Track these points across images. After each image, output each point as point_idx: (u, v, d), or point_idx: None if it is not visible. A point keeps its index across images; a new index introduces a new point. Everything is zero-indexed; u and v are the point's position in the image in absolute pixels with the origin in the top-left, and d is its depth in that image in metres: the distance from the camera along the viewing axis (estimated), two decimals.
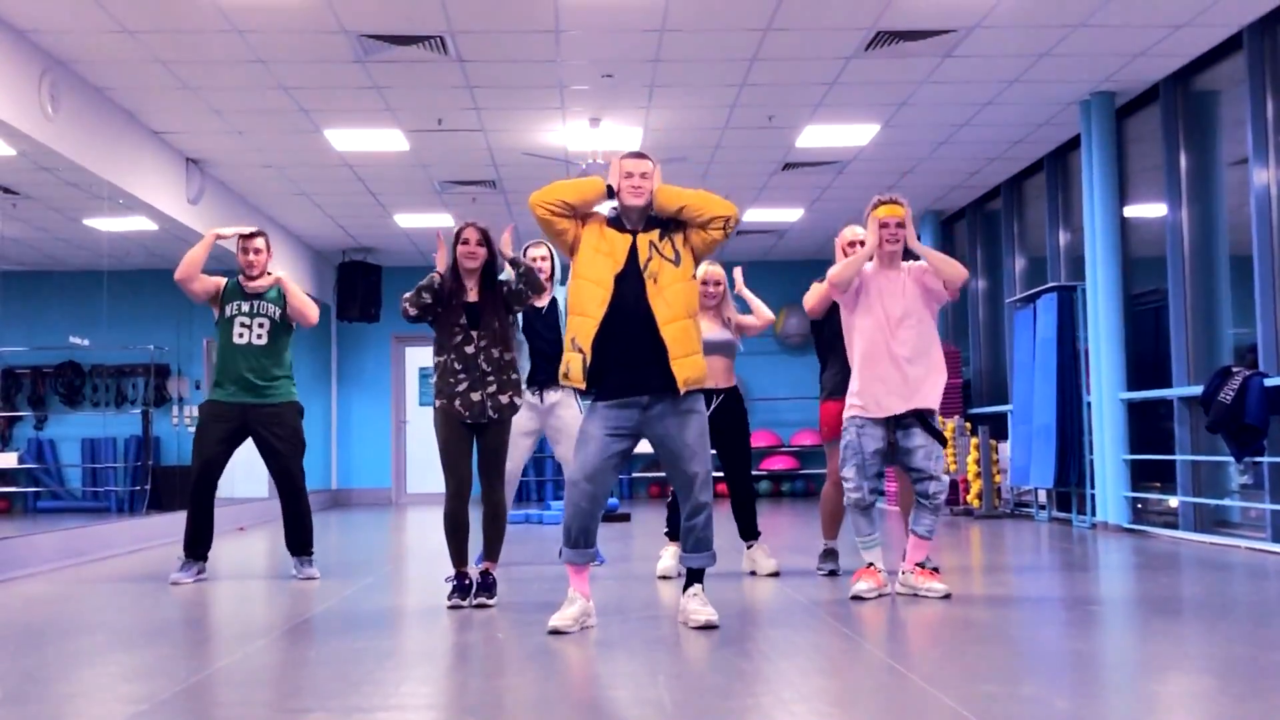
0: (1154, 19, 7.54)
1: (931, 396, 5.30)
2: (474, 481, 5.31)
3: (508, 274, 5.38)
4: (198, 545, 6.38)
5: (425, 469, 15.09)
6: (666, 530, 6.42)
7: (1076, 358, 9.65)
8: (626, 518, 11.09)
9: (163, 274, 8.13)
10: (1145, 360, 9.21)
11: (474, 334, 5.23)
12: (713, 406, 6.21)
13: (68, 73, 8.05)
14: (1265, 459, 7.25)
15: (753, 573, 6.28)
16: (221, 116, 9.21)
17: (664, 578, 6.14)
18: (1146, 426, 9.16)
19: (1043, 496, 10.36)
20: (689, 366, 4.51)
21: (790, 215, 13.05)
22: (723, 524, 6.80)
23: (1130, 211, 9.35)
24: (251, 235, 6.46)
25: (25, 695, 3.63)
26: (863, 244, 5.52)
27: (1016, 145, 10.45)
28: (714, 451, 6.36)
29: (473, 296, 5.28)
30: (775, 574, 6.18)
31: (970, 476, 10.95)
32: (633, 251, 4.56)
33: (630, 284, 4.51)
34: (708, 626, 4.48)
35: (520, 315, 6.40)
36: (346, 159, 10.50)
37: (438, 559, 6.58)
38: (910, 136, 10.09)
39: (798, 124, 9.70)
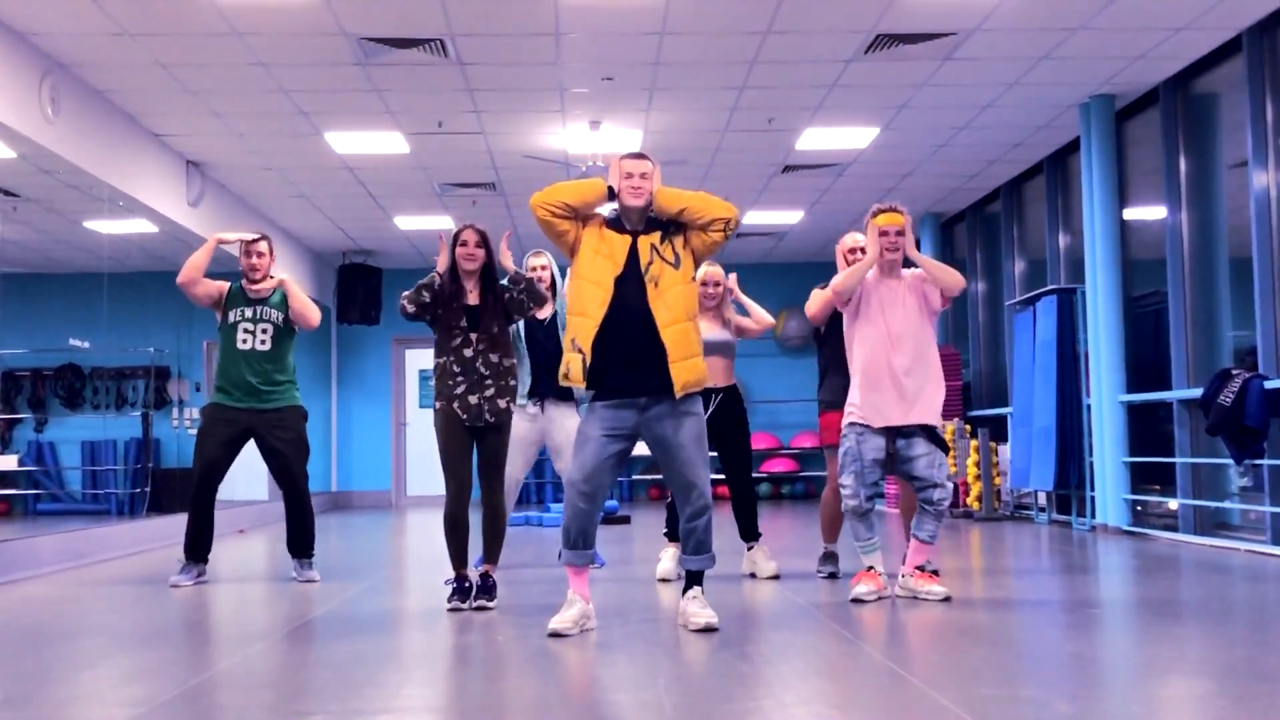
0: (1153, 22, 7.55)
1: (932, 411, 5.31)
2: (474, 484, 5.32)
3: (506, 278, 5.40)
4: (198, 548, 6.38)
5: (425, 471, 15.10)
6: (666, 531, 6.42)
7: (1076, 360, 9.66)
8: (626, 520, 11.09)
9: (163, 276, 8.14)
10: (1145, 363, 9.22)
11: (473, 336, 5.24)
12: (712, 406, 6.22)
13: (68, 75, 8.05)
14: (1265, 461, 7.25)
15: (752, 575, 6.28)
16: (222, 119, 9.22)
17: (664, 580, 6.14)
18: (1146, 429, 9.16)
19: (1042, 499, 10.36)
20: (687, 370, 4.52)
21: (790, 217, 13.05)
22: (723, 525, 6.80)
23: (1130, 214, 9.35)
24: (254, 240, 6.47)
25: (25, 698, 3.63)
26: (863, 251, 5.52)
27: (1016, 148, 10.45)
28: (714, 454, 6.41)
29: (472, 299, 5.29)
30: (775, 577, 6.18)
31: (970, 479, 10.95)
32: (633, 254, 4.56)
33: (630, 286, 4.52)
34: (708, 629, 4.48)
35: (523, 325, 6.41)
36: (347, 161, 10.50)
37: (438, 562, 6.59)
38: (910, 139, 10.10)
39: (798, 126, 9.71)
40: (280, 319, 6.44)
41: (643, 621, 4.92)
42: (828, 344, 6.11)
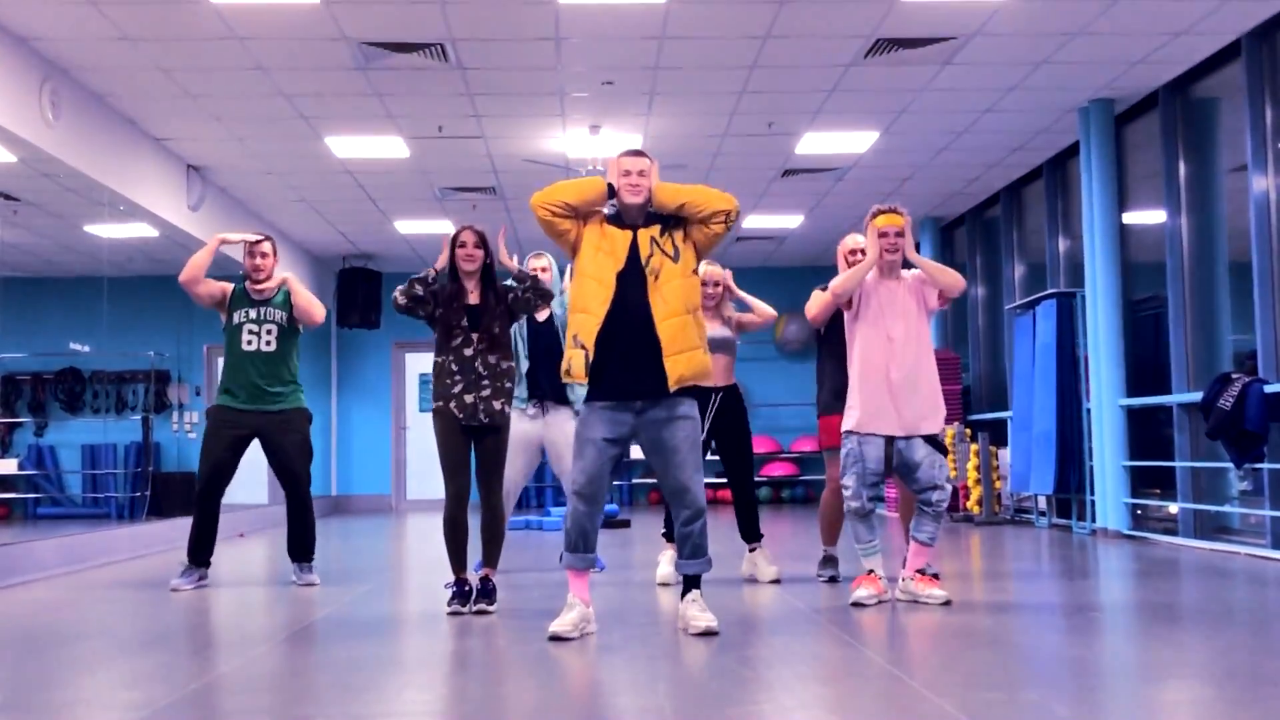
0: (1153, 27, 7.56)
1: (931, 424, 5.31)
2: (473, 486, 5.32)
3: (510, 281, 5.41)
4: (201, 551, 6.38)
5: (425, 475, 15.09)
6: (664, 531, 6.41)
7: (1076, 364, 9.66)
8: (627, 524, 11.09)
9: (163, 281, 8.14)
10: (1145, 366, 9.22)
11: (474, 336, 5.24)
12: (713, 406, 6.22)
13: (69, 80, 8.06)
14: (1265, 465, 7.25)
15: (753, 577, 6.28)
16: (222, 123, 9.23)
17: (663, 584, 6.14)
18: (1146, 433, 9.16)
19: (1043, 503, 10.36)
20: (683, 363, 4.51)
21: (790, 222, 13.06)
22: (723, 528, 6.79)
23: (1129, 218, 9.36)
24: (258, 241, 6.48)
25: (25, 701, 3.63)
26: (864, 252, 5.53)
27: (1016, 152, 10.46)
28: (716, 456, 6.41)
29: (473, 299, 5.30)
30: (776, 581, 6.18)
31: (970, 483, 10.95)
32: (633, 248, 4.57)
33: (631, 281, 4.52)
34: (708, 633, 4.48)
35: (524, 327, 6.41)
36: (347, 166, 10.51)
37: (437, 565, 6.59)
38: (910, 143, 10.11)
39: (797, 131, 9.71)
40: (284, 319, 6.45)
41: (643, 625, 4.92)
42: (828, 345, 6.11)
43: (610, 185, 4.63)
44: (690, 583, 4.68)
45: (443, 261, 5.32)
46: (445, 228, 12.74)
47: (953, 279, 5.38)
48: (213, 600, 6.03)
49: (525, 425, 6.40)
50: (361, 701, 3.50)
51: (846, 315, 5.51)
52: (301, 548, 6.52)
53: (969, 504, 10.98)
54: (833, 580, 6.13)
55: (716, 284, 6.33)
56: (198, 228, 10.42)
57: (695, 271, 4.66)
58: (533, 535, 10.25)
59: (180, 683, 3.83)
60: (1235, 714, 3.30)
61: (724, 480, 6.43)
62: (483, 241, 5.32)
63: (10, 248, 11.56)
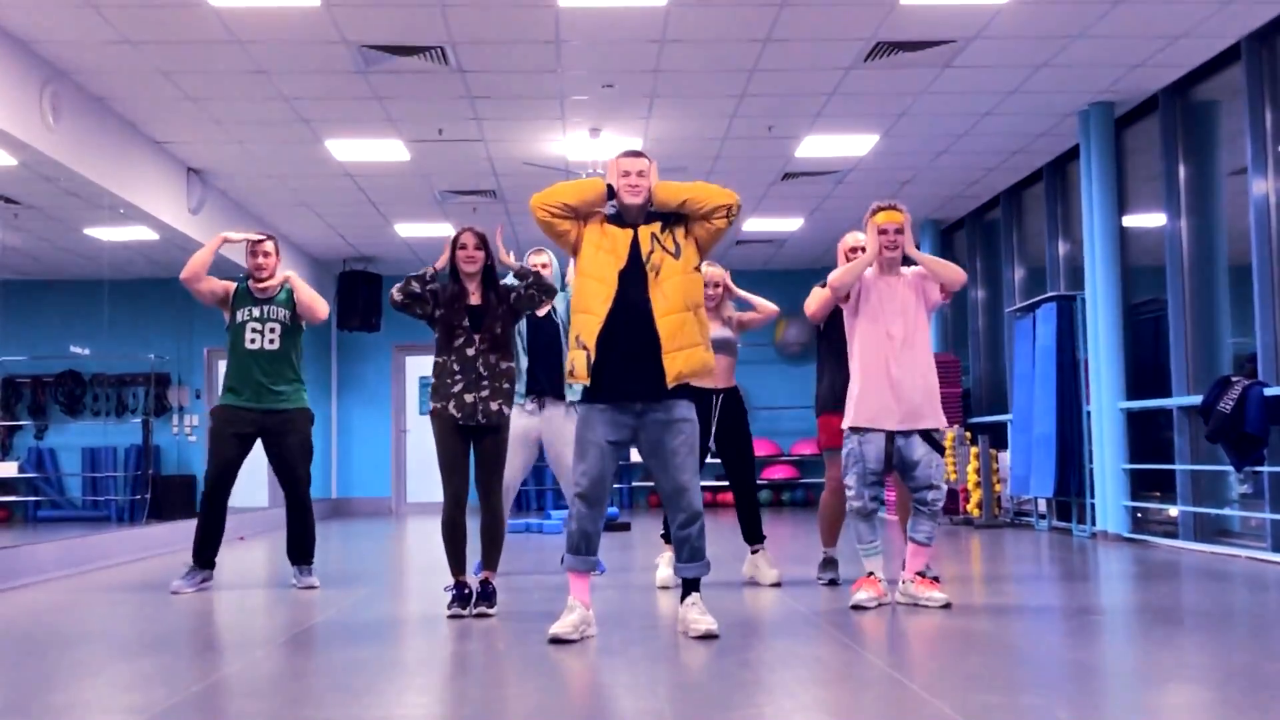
0: (1153, 30, 7.56)
1: (930, 418, 5.32)
2: (471, 488, 5.32)
3: (510, 279, 5.41)
4: (206, 550, 6.38)
5: (425, 478, 15.09)
6: (663, 533, 6.41)
7: (1076, 367, 9.66)
8: (627, 527, 11.09)
9: (164, 284, 8.15)
10: (1145, 370, 9.22)
11: (475, 337, 5.25)
12: (716, 408, 6.23)
13: (69, 83, 8.07)
14: (1265, 468, 7.25)
15: (753, 580, 6.28)
16: (223, 127, 9.23)
17: (663, 587, 6.13)
18: (1146, 436, 9.16)
19: (1043, 506, 10.36)
20: (681, 359, 4.51)
21: (790, 225, 13.06)
22: (725, 531, 6.78)
23: (1129, 221, 9.36)
24: (261, 240, 6.48)
25: (25, 704, 3.63)
26: (864, 249, 5.54)
27: (1016, 155, 10.47)
28: (717, 459, 6.41)
29: (475, 300, 5.30)
30: (777, 584, 6.18)
31: (970, 486, 10.95)
32: (634, 246, 4.57)
33: (633, 279, 4.52)
34: (708, 636, 4.48)
35: (524, 323, 6.42)
36: (347, 169, 10.52)
37: (437, 568, 6.58)
38: (910, 146, 10.11)
39: (797, 134, 9.72)
40: (288, 317, 6.45)
41: (643, 628, 4.92)
42: (827, 342, 6.12)
43: (610, 186, 4.63)
44: (689, 586, 4.68)
45: (443, 262, 5.33)
46: (445, 231, 12.74)
47: (953, 273, 5.39)
48: (213, 603, 6.03)
49: (524, 421, 6.39)
50: (361, 704, 3.50)
51: (846, 312, 5.52)
52: (301, 550, 6.52)
53: (969, 507, 10.98)
54: (833, 583, 6.13)
55: (716, 285, 6.33)
56: (198, 231, 10.42)
57: (697, 269, 4.65)
58: (532, 538, 10.25)
59: (180, 686, 3.83)
60: (1235, 717, 3.30)
61: (725, 483, 6.43)
62: (483, 243, 5.33)
63: (11, 251, 11.56)
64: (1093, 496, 9.30)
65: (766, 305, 6.55)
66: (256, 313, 6.40)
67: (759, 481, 14.59)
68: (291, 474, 6.45)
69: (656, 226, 4.61)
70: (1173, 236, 8.49)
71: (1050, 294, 10.01)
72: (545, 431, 6.52)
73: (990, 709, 3.33)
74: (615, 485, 4.71)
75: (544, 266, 6.55)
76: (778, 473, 15.31)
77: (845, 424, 5.41)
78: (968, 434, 11.32)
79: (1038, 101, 8.95)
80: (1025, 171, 11.03)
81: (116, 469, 13.88)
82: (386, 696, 3.63)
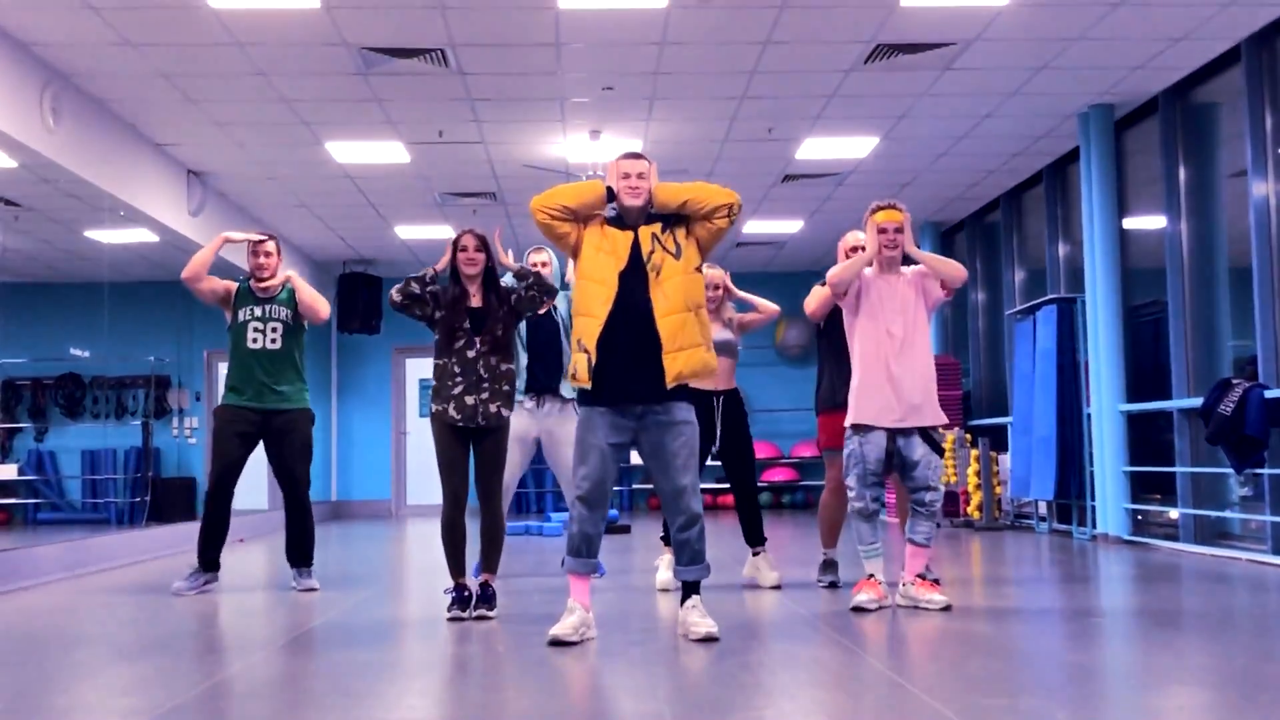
0: (1153, 32, 7.57)
1: (931, 416, 5.33)
2: (471, 491, 5.32)
3: (510, 280, 5.41)
4: (210, 549, 6.38)
5: (425, 481, 15.08)
6: (662, 535, 6.41)
7: (1076, 369, 9.66)
8: (627, 530, 11.08)
9: (164, 286, 8.15)
10: (1145, 372, 9.22)
11: (476, 339, 5.25)
12: (718, 410, 6.23)
13: (69, 85, 8.07)
14: (1265, 471, 7.24)
15: (754, 582, 6.27)
16: (223, 129, 9.23)
17: (663, 590, 6.13)
18: (1146, 438, 9.16)
19: (1043, 508, 10.36)
20: (682, 360, 4.50)
21: (790, 227, 13.07)
22: (725, 533, 6.77)
23: (1129, 223, 9.36)
24: (262, 240, 6.48)
25: (25, 707, 3.63)
26: (864, 249, 5.55)
27: (1016, 157, 10.47)
28: (718, 461, 6.41)
29: (476, 302, 5.30)
30: (777, 587, 6.17)
31: (970, 488, 10.95)
32: (635, 247, 4.57)
33: (634, 279, 4.52)
34: (708, 639, 4.48)
35: (525, 321, 6.42)
36: (347, 171, 10.52)
37: (437, 571, 6.58)
38: (910, 149, 10.11)
39: (797, 136, 9.72)
40: (289, 317, 6.45)
41: (643, 630, 4.92)
42: (827, 340, 6.13)
43: (609, 189, 4.63)
44: (689, 589, 4.67)
45: (443, 264, 5.33)
46: (446, 233, 12.74)
47: (954, 269, 5.39)
48: (212, 605, 6.02)
49: (522, 420, 6.38)
50: (361, 707, 3.50)
51: (846, 311, 5.53)
52: (301, 552, 6.51)
53: (969, 509, 10.98)
54: (833, 586, 6.13)
55: (716, 286, 6.33)
56: (198, 233, 10.42)
57: (699, 269, 4.65)
58: (532, 540, 10.24)
59: (180, 688, 3.83)
60: (1235, 719, 3.30)
61: (725, 485, 6.43)
62: (484, 245, 5.33)
63: (11, 253, 11.56)
64: (1093, 499, 9.30)
65: (767, 305, 6.56)
66: (258, 312, 6.40)
67: (759, 484, 14.65)
68: (291, 475, 6.45)
69: (657, 227, 4.61)
70: (1173, 238, 8.49)
71: (1050, 296, 10.01)
72: (544, 430, 6.52)
73: (991, 712, 3.33)
74: (615, 488, 4.71)
75: (544, 265, 6.55)
76: (778, 475, 15.31)
77: (846, 422, 5.43)
78: (968, 436, 11.32)
79: (1038, 103, 8.95)
80: (1025, 174, 11.03)
81: (116, 471, 13.87)
82: (386, 699, 3.62)
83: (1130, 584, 6.66)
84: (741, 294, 6.53)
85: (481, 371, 5.24)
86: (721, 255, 13.80)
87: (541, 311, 6.45)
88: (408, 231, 13.03)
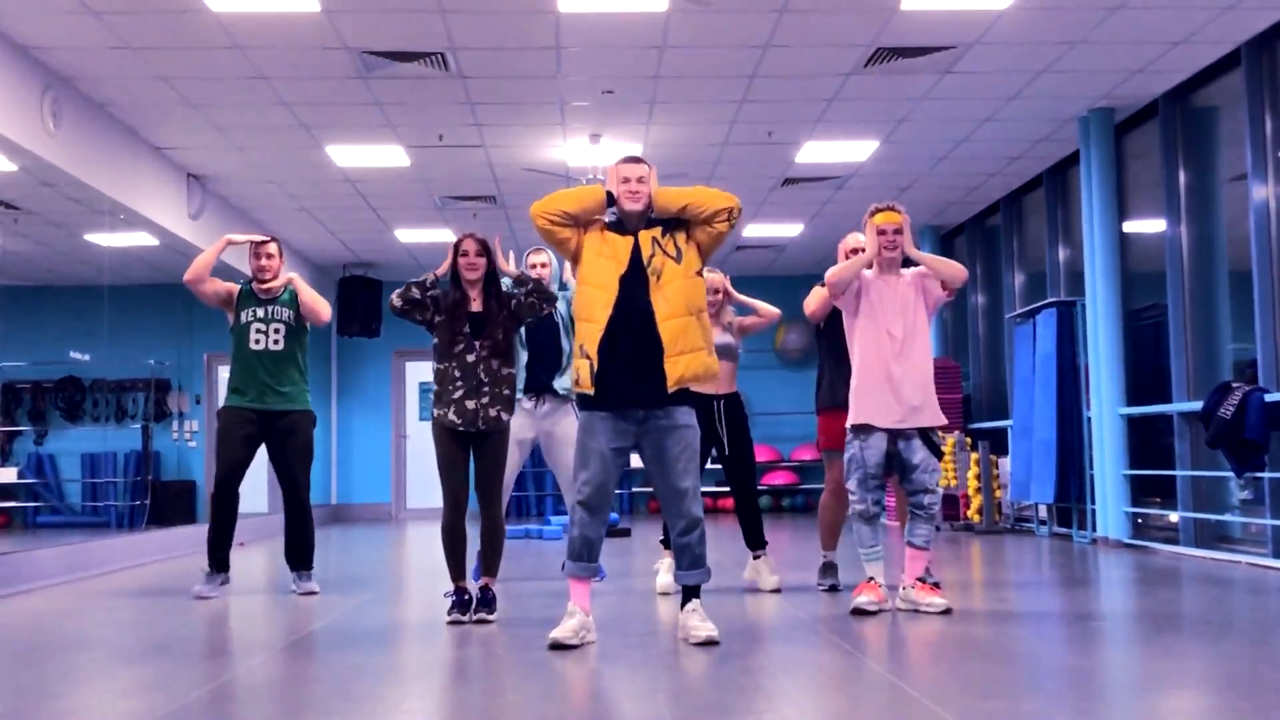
0: (1153, 36, 7.57)
1: (930, 416, 5.33)
2: (471, 495, 5.32)
3: (509, 284, 5.42)
4: (219, 550, 6.39)
5: (425, 484, 15.08)
6: (662, 539, 6.40)
7: (1076, 373, 9.66)
8: (627, 533, 11.08)
9: (164, 289, 8.15)
10: (1145, 375, 9.22)
11: (476, 343, 5.25)
12: (719, 414, 6.23)
13: (70, 89, 8.07)
14: (1266, 474, 7.24)
15: (754, 585, 6.27)
16: (223, 132, 9.24)
17: (664, 594, 6.13)
18: (1147, 442, 9.16)
19: (1043, 512, 10.35)
20: (683, 363, 4.50)
21: (790, 230, 13.07)
22: (725, 537, 6.77)
23: (1129, 227, 9.36)
24: (264, 241, 6.49)
25: (24, 711, 3.63)
26: (864, 251, 5.55)
27: (1016, 161, 10.47)
28: (718, 465, 6.41)
29: (476, 306, 5.30)
30: (777, 590, 6.17)
31: (970, 491, 10.94)
32: (635, 251, 4.57)
33: (634, 283, 4.53)
34: (708, 642, 4.48)
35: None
36: (348, 174, 10.52)
37: (437, 574, 6.58)
38: (910, 152, 10.12)
39: (797, 140, 9.72)
40: (292, 318, 6.45)
41: (643, 634, 4.92)
42: (827, 341, 6.13)
43: (609, 194, 4.63)
44: (690, 592, 4.67)
45: (444, 269, 5.33)
46: (446, 237, 12.75)
47: (954, 269, 5.40)
48: (212, 609, 6.02)
49: (520, 419, 6.38)
50: (361, 711, 3.50)
51: (846, 312, 5.53)
52: (300, 556, 6.51)
53: (969, 513, 10.97)
54: (833, 589, 6.12)
55: (716, 291, 6.34)
56: (198, 236, 10.42)
57: (699, 273, 4.65)
58: (532, 543, 10.24)
59: (179, 692, 3.82)
60: None
61: (725, 489, 6.43)
62: (485, 250, 5.33)
63: (11, 256, 11.56)
64: (1093, 502, 9.30)
65: (767, 308, 6.56)
66: (260, 313, 6.41)
67: (759, 487, 14.65)
68: (292, 478, 6.45)
69: (657, 231, 4.62)
70: (1173, 242, 8.49)
71: (1050, 300, 10.01)
72: (542, 432, 6.52)
73: (991, 716, 3.33)
74: (615, 491, 4.70)
75: (543, 265, 6.55)
76: (778, 479, 15.31)
77: (847, 424, 5.43)
78: (968, 439, 11.32)
79: (1038, 107, 8.96)
80: (1025, 177, 11.03)
81: (116, 475, 13.86)
82: (386, 702, 3.62)
83: (1130, 587, 6.66)
84: (741, 298, 6.53)
85: (482, 376, 5.24)
86: (722, 258, 13.80)
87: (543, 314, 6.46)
88: (408, 235, 13.03)
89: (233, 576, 6.58)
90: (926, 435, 5.34)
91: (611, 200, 4.63)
